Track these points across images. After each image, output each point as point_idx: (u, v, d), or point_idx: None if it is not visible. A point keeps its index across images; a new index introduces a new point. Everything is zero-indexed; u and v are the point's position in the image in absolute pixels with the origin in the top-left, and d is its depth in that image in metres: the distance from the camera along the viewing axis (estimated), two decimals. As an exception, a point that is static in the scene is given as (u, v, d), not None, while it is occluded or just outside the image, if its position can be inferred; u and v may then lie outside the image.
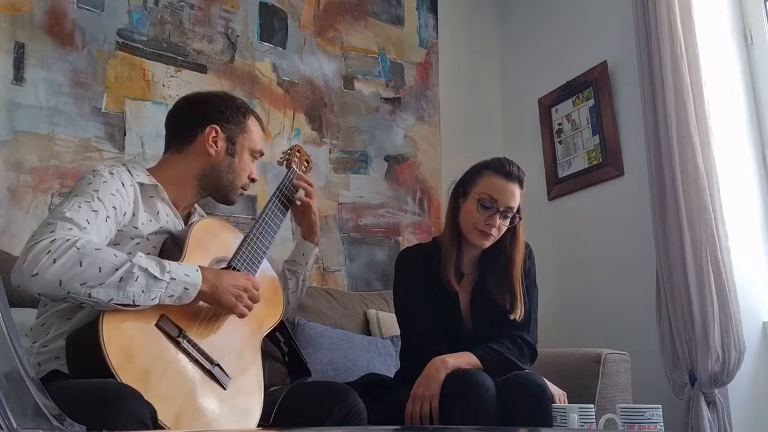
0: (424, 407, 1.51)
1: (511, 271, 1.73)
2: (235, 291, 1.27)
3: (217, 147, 1.49)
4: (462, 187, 1.77)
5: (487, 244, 1.72)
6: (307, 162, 1.75)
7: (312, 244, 1.69)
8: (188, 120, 1.51)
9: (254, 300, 1.31)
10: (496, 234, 1.70)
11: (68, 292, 1.11)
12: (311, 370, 1.58)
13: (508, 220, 1.72)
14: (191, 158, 1.49)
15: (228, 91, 1.80)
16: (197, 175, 1.49)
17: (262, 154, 1.59)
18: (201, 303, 1.25)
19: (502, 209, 1.69)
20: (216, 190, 1.53)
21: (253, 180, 1.57)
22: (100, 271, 1.12)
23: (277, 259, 1.78)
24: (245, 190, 1.57)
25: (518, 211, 1.73)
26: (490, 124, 3.16)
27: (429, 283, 1.73)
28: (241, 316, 1.29)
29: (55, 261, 1.10)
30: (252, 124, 1.55)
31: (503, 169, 1.72)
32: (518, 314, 1.69)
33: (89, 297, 1.11)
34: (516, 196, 1.70)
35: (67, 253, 1.12)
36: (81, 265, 1.12)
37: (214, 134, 1.49)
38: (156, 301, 1.16)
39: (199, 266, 1.25)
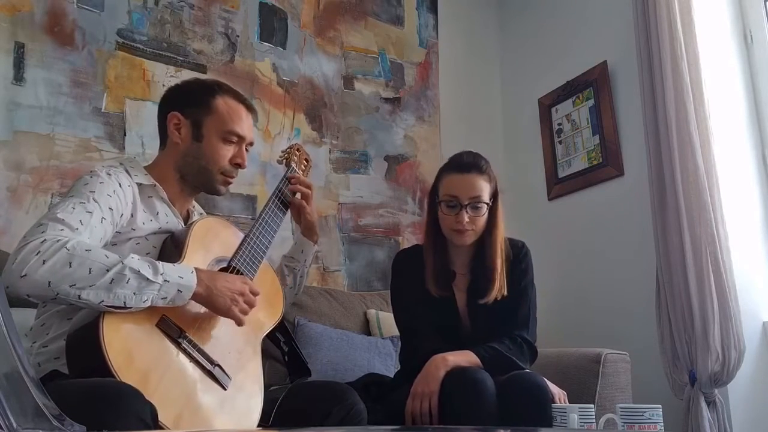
0: (424, 404, 1.51)
1: (491, 251, 1.70)
2: (231, 294, 1.24)
3: (180, 134, 1.43)
4: (434, 196, 1.76)
5: (468, 240, 1.70)
6: (307, 161, 1.75)
7: (311, 242, 1.69)
8: (159, 112, 1.49)
9: (251, 304, 1.28)
10: (471, 227, 1.68)
11: (57, 294, 1.09)
12: (311, 370, 1.58)
13: (480, 210, 1.68)
14: (168, 151, 1.47)
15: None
16: (175, 168, 1.45)
17: (240, 136, 1.45)
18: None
19: (466, 203, 1.66)
20: (196, 181, 1.47)
21: (238, 165, 1.46)
22: (90, 273, 1.10)
23: (277, 259, 1.78)
24: (229, 176, 1.47)
25: (495, 195, 1.70)
26: (490, 124, 3.16)
27: (425, 284, 1.73)
28: (236, 319, 1.25)
29: (44, 262, 1.08)
30: (222, 103, 1.44)
31: (456, 163, 1.71)
32: (496, 290, 1.67)
33: (79, 299, 1.09)
34: (476, 185, 1.67)
35: (57, 254, 1.09)
36: (70, 266, 1.09)
37: (176, 121, 1.43)
38: (148, 303, 1.14)
39: (195, 268, 1.23)
